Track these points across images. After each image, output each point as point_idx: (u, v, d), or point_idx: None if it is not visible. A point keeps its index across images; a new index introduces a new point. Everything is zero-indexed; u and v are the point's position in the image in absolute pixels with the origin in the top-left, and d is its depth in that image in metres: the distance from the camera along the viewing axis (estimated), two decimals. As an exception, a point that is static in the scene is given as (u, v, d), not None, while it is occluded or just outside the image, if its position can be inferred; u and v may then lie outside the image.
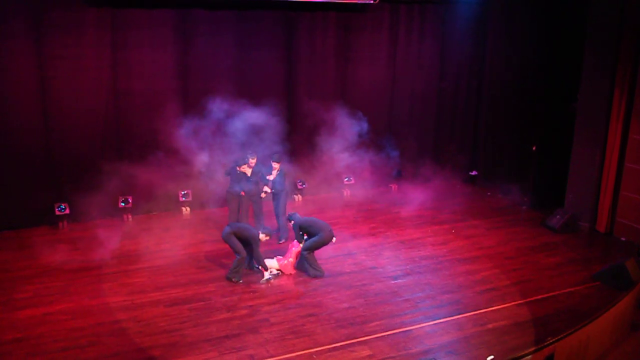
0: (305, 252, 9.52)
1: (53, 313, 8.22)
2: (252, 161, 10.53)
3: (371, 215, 12.34)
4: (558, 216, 11.82)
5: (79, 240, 10.77)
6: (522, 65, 13.44)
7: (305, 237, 9.65)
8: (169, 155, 11.61)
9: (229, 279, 9.22)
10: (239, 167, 10.38)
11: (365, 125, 12.24)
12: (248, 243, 9.26)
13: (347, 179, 13.59)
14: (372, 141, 12.71)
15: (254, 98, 11.78)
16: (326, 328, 8.01)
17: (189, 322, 8.08)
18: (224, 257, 10.08)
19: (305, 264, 9.58)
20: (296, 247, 9.65)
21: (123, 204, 11.63)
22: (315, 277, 9.47)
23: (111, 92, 11.38)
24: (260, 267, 9.40)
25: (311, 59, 12.92)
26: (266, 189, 10.64)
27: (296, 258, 9.66)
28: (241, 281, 9.23)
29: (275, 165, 10.62)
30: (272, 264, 9.58)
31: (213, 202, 12.32)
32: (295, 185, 13.09)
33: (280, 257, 9.68)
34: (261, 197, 10.72)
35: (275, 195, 10.79)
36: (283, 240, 10.73)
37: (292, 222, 9.76)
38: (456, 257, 10.42)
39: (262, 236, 9.38)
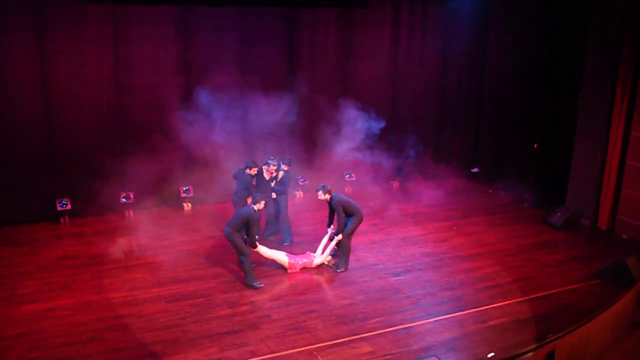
0: (346, 239, 9.50)
1: (54, 308, 8.23)
2: (274, 167, 10.35)
3: (372, 212, 12.32)
4: (559, 213, 11.81)
5: (80, 235, 10.80)
6: (523, 63, 13.43)
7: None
8: (171, 151, 11.63)
9: (250, 286, 8.94)
10: (250, 169, 10.15)
11: (366, 122, 12.22)
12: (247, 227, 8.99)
13: (348, 176, 13.59)
14: (373, 138, 12.70)
15: (256, 94, 11.81)
16: (327, 324, 8.02)
17: (190, 317, 8.09)
18: (225, 253, 10.09)
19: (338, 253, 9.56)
20: (310, 259, 9.61)
21: (124, 200, 11.64)
22: (340, 270, 9.51)
23: (113, 87, 11.38)
24: (248, 245, 9.11)
25: (313, 55, 12.92)
26: (273, 195, 10.50)
27: (305, 265, 9.61)
28: (262, 284, 9.02)
29: (285, 168, 10.53)
30: (279, 256, 9.48)
31: (215, 198, 12.37)
32: (297, 182, 13.08)
33: (292, 255, 9.62)
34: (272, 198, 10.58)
35: (277, 196, 10.61)
36: (287, 243, 10.53)
37: (332, 197, 9.43)
38: (457, 254, 10.42)
39: (256, 206, 9.00)
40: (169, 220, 11.58)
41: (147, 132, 11.52)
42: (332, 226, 9.74)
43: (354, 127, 11.96)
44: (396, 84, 13.94)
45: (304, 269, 9.60)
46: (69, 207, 11.25)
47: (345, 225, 9.54)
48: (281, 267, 9.55)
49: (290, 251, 9.81)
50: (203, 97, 11.19)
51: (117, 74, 11.37)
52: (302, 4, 12.52)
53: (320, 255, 9.67)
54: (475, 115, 14.80)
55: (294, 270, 9.50)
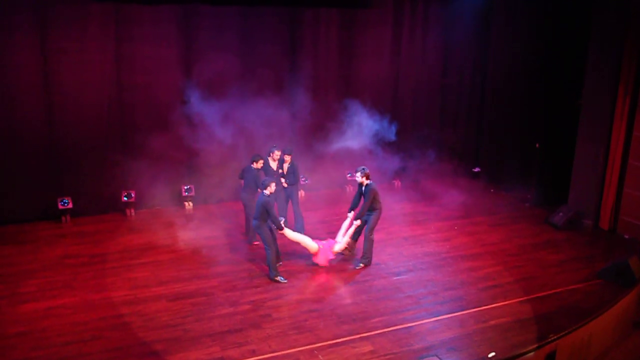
0: (369, 235, 9.62)
1: (56, 307, 8.25)
2: (278, 153, 10.57)
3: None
4: (561, 213, 11.80)
5: (82, 234, 10.81)
6: (526, 62, 13.40)
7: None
8: (172, 149, 11.64)
9: (274, 280, 9.10)
10: (255, 163, 10.21)
11: (368, 121, 12.21)
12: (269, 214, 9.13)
13: (349, 175, 13.57)
14: (375, 136, 12.68)
15: (257, 93, 11.80)
16: (328, 324, 8.02)
17: (191, 316, 8.10)
18: (227, 252, 10.12)
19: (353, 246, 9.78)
20: (331, 245, 9.66)
21: (126, 199, 11.65)
22: (360, 266, 9.66)
23: (114, 86, 11.39)
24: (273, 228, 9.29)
25: (315, 54, 12.91)
26: (283, 180, 10.62)
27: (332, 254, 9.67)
28: (287, 280, 9.15)
29: (287, 158, 10.63)
30: (307, 241, 9.51)
31: (216, 197, 12.39)
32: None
33: (318, 241, 9.64)
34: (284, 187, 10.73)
35: (288, 188, 10.74)
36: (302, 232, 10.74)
37: (369, 183, 9.61)
38: (459, 254, 10.41)
39: (267, 190, 9.07)
40: (171, 219, 11.58)
41: (149, 130, 11.49)
42: (352, 212, 9.83)
43: (356, 126, 11.94)
44: (398, 83, 13.93)
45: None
46: (70, 205, 11.26)
47: (366, 220, 9.69)
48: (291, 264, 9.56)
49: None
50: (205, 96, 11.19)
51: (119, 72, 11.37)
52: (304, 4, 12.50)
53: (341, 241, 9.73)
54: (477, 115, 14.79)
55: (321, 260, 9.54)
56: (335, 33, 12.99)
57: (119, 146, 11.63)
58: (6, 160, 10.77)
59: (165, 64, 11.64)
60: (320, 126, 12.50)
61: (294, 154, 10.83)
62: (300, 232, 10.63)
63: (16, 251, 10.02)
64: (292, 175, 10.70)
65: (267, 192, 9.09)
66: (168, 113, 11.44)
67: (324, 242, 9.70)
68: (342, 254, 9.90)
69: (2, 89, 10.54)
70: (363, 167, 9.75)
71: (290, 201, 10.85)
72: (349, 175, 13.55)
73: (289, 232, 9.44)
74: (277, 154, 10.58)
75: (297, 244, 9.65)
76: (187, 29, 11.68)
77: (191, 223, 11.44)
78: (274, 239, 9.26)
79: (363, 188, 9.74)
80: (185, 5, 11.51)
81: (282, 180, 10.62)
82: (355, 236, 9.99)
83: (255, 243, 10.23)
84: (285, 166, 10.67)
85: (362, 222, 9.74)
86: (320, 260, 9.59)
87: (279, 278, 9.12)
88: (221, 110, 11.16)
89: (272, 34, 12.40)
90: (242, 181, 10.46)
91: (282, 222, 9.22)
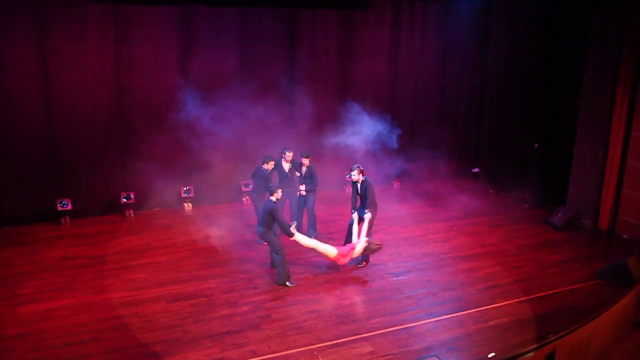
0: (369, 239, 9.43)
1: (55, 309, 8.24)
2: (289, 155, 10.42)
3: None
4: (560, 214, 11.80)
5: (81, 236, 10.81)
6: (525, 62, 13.41)
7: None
8: (171, 151, 11.64)
9: (282, 285, 9.02)
10: (266, 164, 10.17)
11: (367, 123, 12.20)
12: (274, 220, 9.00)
13: (348, 176, 13.52)
14: (373, 137, 12.67)
15: (257, 94, 11.80)
16: (328, 324, 8.02)
17: (190, 318, 8.09)
18: (226, 253, 10.11)
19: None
20: (353, 247, 9.34)
21: (125, 200, 11.64)
22: (361, 265, 9.66)
23: (114, 88, 11.38)
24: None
25: (314, 55, 12.90)
26: (302, 187, 10.54)
27: (350, 255, 9.32)
28: (294, 284, 9.08)
29: (305, 161, 10.55)
30: (324, 247, 9.18)
31: (215, 198, 12.39)
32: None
33: (339, 247, 9.38)
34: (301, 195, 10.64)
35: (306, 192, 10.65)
36: (314, 236, 10.62)
37: (364, 180, 9.55)
38: (458, 254, 10.41)
39: (274, 197, 8.96)
40: (170, 221, 11.59)
41: (148, 132, 11.51)
42: (356, 211, 9.69)
43: (355, 127, 11.94)
44: (397, 85, 13.93)
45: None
46: (69, 207, 11.25)
47: (362, 218, 9.64)
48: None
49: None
50: (203, 97, 11.19)
51: (118, 74, 11.36)
52: (303, 5, 12.50)
53: (360, 241, 9.36)
54: (476, 115, 14.78)
55: (342, 262, 9.24)
56: (334, 34, 12.98)
57: (118, 147, 11.63)
58: (5, 161, 10.76)
59: (164, 65, 11.63)
60: (318, 127, 12.49)
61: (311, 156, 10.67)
62: (313, 233, 10.61)
63: (15, 253, 10.01)
64: (310, 179, 10.56)
65: (273, 198, 8.99)
66: (167, 114, 11.44)
67: (342, 247, 9.40)
68: (372, 249, 9.50)
69: (1, 91, 10.53)
70: (357, 165, 9.72)
71: (305, 208, 10.68)
72: (348, 177, 13.51)
73: (301, 238, 9.18)
74: (289, 155, 10.42)
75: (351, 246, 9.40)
76: (186, 30, 11.67)
77: (190, 224, 11.43)
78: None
79: (359, 185, 9.72)
80: (184, 6, 11.51)
81: (301, 187, 10.51)
82: (348, 238, 9.92)
83: (265, 244, 10.19)
84: (303, 169, 10.57)
85: (358, 218, 9.64)
86: (341, 262, 9.27)
87: (288, 283, 9.06)
88: (220, 111, 11.16)
89: (271, 35, 12.39)
90: (252, 181, 10.41)
91: (292, 228, 9.05)
